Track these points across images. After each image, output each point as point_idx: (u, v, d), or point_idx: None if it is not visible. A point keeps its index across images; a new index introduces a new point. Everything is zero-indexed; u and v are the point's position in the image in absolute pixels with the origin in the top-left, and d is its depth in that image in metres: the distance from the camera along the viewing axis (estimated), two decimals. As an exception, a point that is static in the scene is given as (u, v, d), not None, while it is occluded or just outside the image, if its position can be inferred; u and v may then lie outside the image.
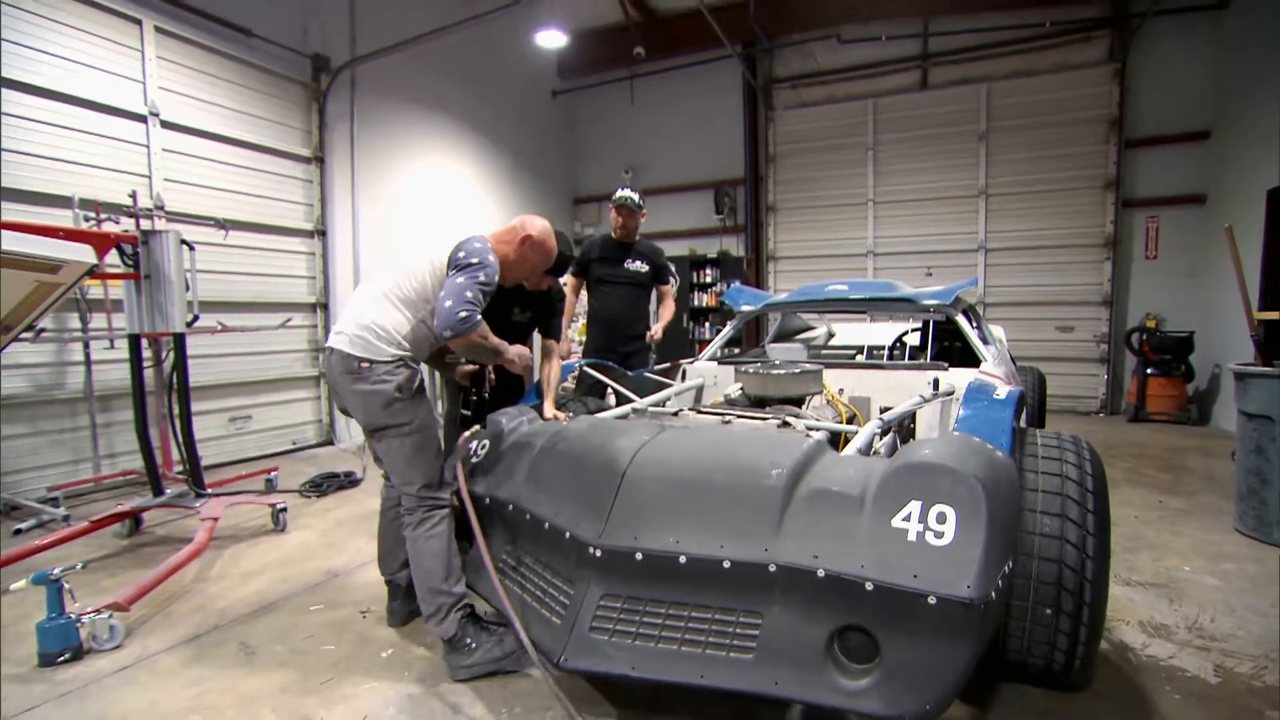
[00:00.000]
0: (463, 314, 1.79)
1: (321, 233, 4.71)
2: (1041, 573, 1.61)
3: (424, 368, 2.06)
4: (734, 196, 7.02)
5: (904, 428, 2.19)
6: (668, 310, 3.24)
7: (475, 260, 1.88)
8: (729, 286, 6.24)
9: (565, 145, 7.60)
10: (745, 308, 3.21)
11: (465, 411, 2.23)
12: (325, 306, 4.74)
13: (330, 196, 4.78)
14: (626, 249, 3.22)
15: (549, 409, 2.27)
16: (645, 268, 3.25)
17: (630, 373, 3.02)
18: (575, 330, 5.52)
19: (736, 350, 5.98)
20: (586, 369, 2.83)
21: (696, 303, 6.81)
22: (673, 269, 3.36)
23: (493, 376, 2.20)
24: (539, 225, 2.05)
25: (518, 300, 2.49)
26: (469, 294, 1.83)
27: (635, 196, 3.17)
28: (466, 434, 2.04)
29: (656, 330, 3.18)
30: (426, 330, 1.93)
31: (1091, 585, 1.62)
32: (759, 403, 2.38)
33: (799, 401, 2.38)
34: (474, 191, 6.20)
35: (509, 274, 2.07)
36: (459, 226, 5.49)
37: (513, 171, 6.68)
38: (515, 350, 2.03)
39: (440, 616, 1.88)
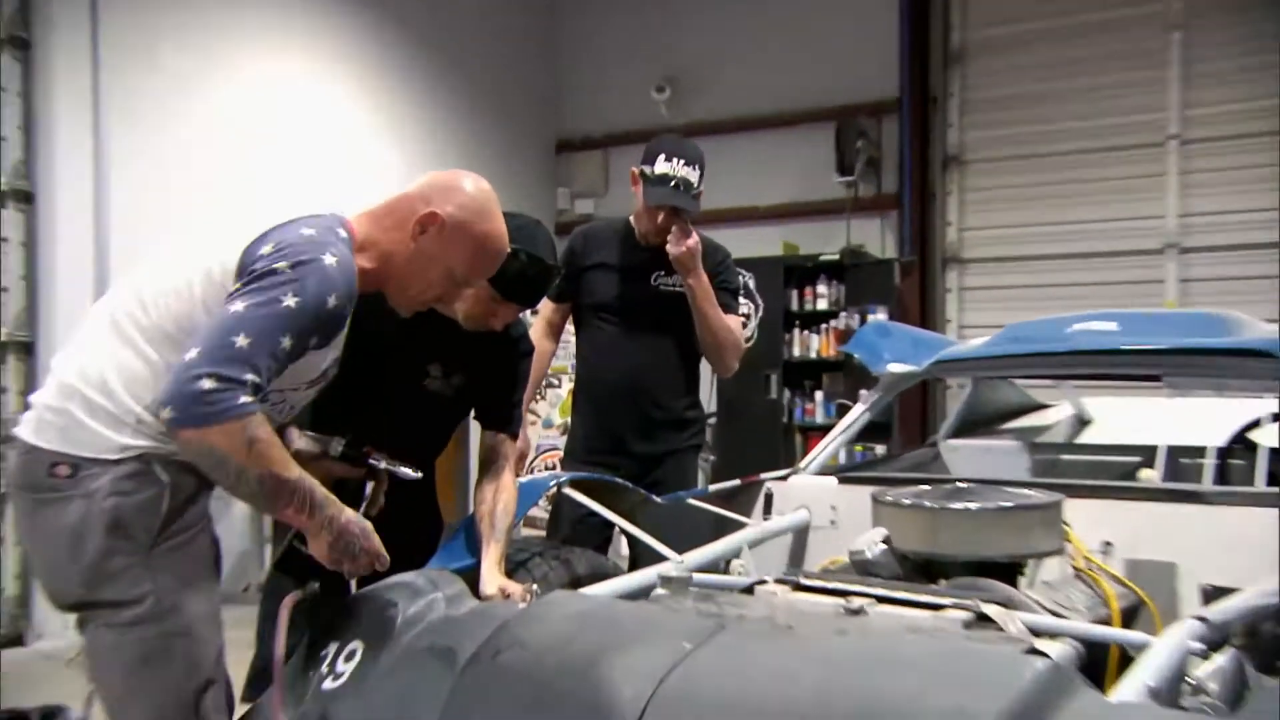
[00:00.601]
0: (205, 384, 1.40)
1: (25, 197, 3.93)
2: None
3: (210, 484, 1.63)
4: (874, 138, 6.55)
5: (1259, 637, 1.80)
6: (729, 361, 2.96)
7: (281, 266, 1.50)
8: (862, 323, 5.55)
9: (542, 44, 7.33)
10: (896, 367, 2.99)
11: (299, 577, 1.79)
12: (31, 349, 3.98)
13: (47, 126, 4.00)
14: (658, 252, 2.85)
15: (490, 578, 1.94)
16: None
17: (658, 498, 2.62)
18: (548, 407, 5.17)
19: (878, 451, 5.67)
20: (568, 491, 2.45)
21: (795, 352, 6.50)
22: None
23: (379, 496, 1.84)
24: (468, 192, 1.73)
25: (436, 349, 2.13)
26: (238, 341, 1.44)
27: (692, 177, 2.78)
28: (288, 603, 1.68)
29: (690, 247, 2.76)
30: None
31: None
32: (924, 570, 2.05)
33: (1011, 570, 2.03)
34: (359, 128, 5.82)
35: (400, 292, 1.74)
36: (320, 195, 5.41)
37: (436, 93, 6.33)
38: (348, 521, 1.60)
39: None
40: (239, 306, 1.46)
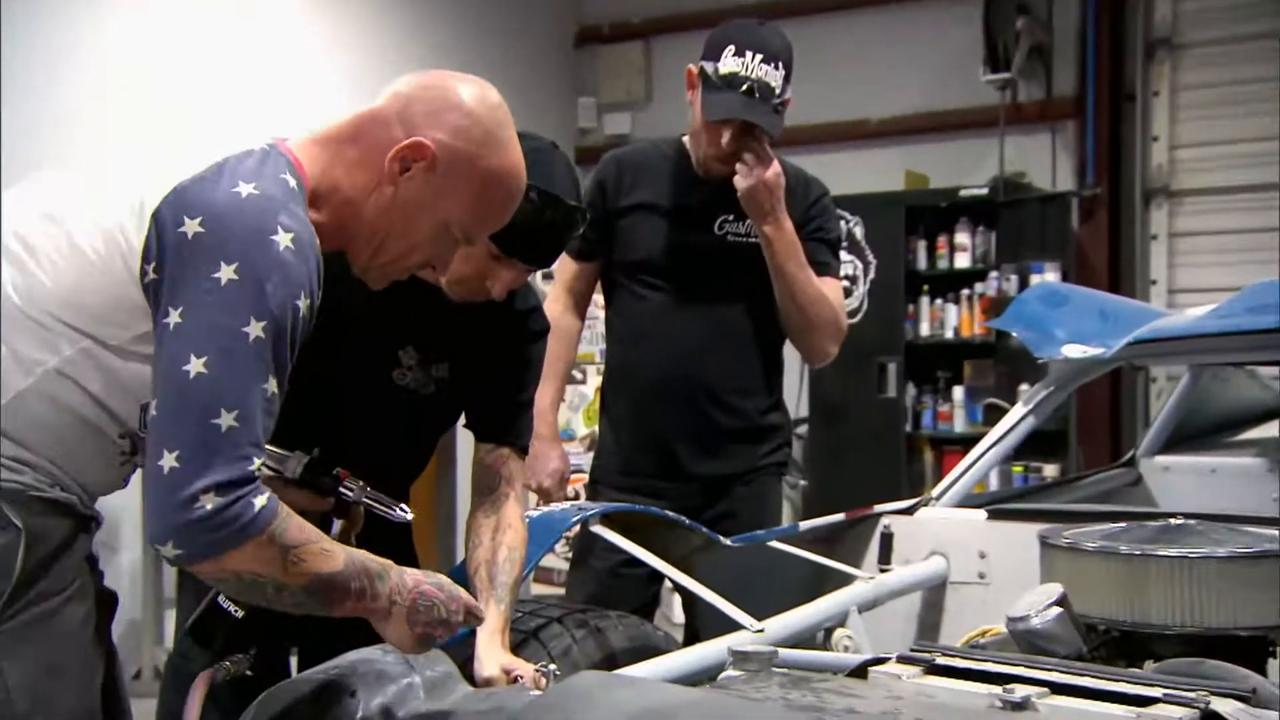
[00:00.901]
0: (206, 504, 1.48)
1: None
2: None
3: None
4: (1041, 16, 6.53)
5: None
6: (824, 345, 3.08)
7: (225, 275, 1.54)
8: (1023, 286, 5.56)
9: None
10: (1074, 350, 2.96)
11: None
12: None
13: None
14: (725, 188, 2.93)
15: (490, 653, 2.00)
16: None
17: (726, 539, 2.69)
18: (569, 411, 5.37)
19: (1047, 473, 5.76)
20: (599, 529, 2.52)
21: (923, 330, 6.55)
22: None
23: (348, 540, 1.92)
24: (468, 107, 1.76)
25: (409, 326, 2.20)
26: (223, 423, 1.51)
27: (774, 79, 2.84)
28: (201, 683, 1.82)
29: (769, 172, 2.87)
30: (79, 402, 1.65)
31: None
32: (1121, 646, 2.10)
33: (1258, 648, 2.08)
34: (292, 10, 6.15)
35: (371, 256, 1.80)
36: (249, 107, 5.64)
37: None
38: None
39: None
40: (196, 365, 1.49)
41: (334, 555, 1.61)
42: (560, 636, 2.31)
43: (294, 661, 2.38)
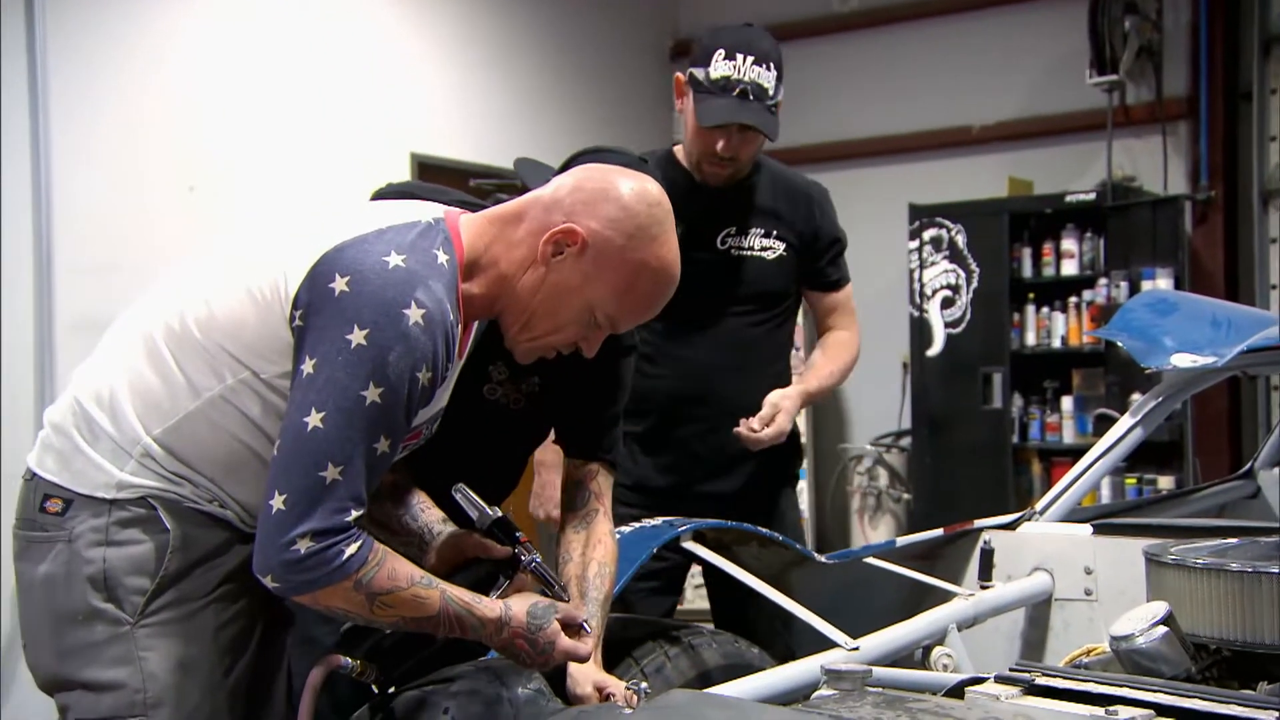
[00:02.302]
0: (300, 548, 1.64)
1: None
2: None
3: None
4: (1150, 14, 6.40)
5: None
6: (837, 343, 3.15)
7: (355, 338, 1.67)
8: (1133, 293, 5.44)
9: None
10: (1186, 359, 2.93)
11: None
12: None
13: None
14: (724, 197, 2.98)
15: (582, 670, 2.01)
16: (778, 245, 3.05)
17: (816, 552, 2.74)
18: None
19: (1160, 485, 5.66)
20: (691, 546, 2.54)
21: (1028, 339, 6.50)
22: (843, 235, 3.15)
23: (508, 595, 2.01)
24: (624, 201, 1.85)
25: (499, 342, 2.13)
26: (328, 475, 1.65)
27: (766, 80, 2.85)
28: (316, 679, 1.91)
29: (782, 408, 2.91)
30: (239, 426, 1.80)
31: None
32: (1233, 667, 2.06)
33: None
34: (384, 29, 6.11)
35: (520, 331, 1.90)
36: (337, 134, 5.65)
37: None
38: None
39: None
40: (314, 419, 1.64)
41: (427, 601, 1.72)
42: (653, 653, 2.34)
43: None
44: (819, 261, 3.08)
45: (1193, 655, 2.00)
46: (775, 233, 3.03)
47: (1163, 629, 1.98)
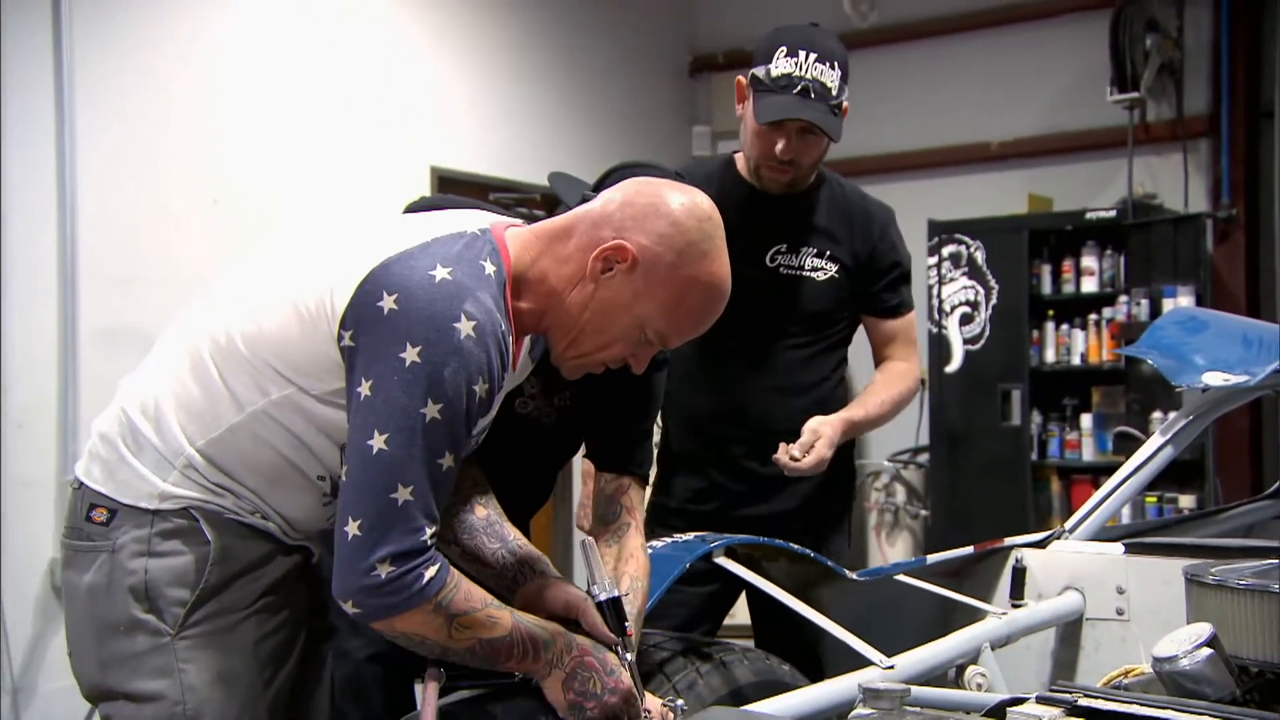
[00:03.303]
0: (381, 573, 1.65)
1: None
2: None
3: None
4: (1170, 31, 6.39)
5: None
6: (894, 373, 3.02)
7: (408, 356, 1.66)
8: (1155, 312, 5.41)
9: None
10: (1214, 378, 2.91)
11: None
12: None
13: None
14: (778, 209, 2.88)
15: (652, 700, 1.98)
16: (830, 266, 2.95)
17: (851, 572, 2.65)
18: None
19: (1184, 504, 5.61)
20: (724, 562, 2.49)
21: (1048, 356, 6.48)
22: (908, 258, 3.04)
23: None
24: (675, 217, 1.83)
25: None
26: (400, 497, 1.65)
27: (829, 79, 2.73)
28: (434, 679, 1.85)
29: (823, 435, 2.78)
30: (282, 440, 1.81)
31: None
32: (1278, 693, 2.01)
33: None
34: (410, 37, 6.13)
35: (567, 347, 1.89)
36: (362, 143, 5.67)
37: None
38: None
39: None
40: (378, 442, 1.63)
41: (500, 621, 1.72)
42: (685, 670, 2.32)
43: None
44: (875, 285, 2.97)
45: (1237, 678, 1.97)
46: (829, 253, 2.93)
47: (1208, 650, 1.95)
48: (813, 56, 2.69)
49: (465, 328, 1.63)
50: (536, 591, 1.95)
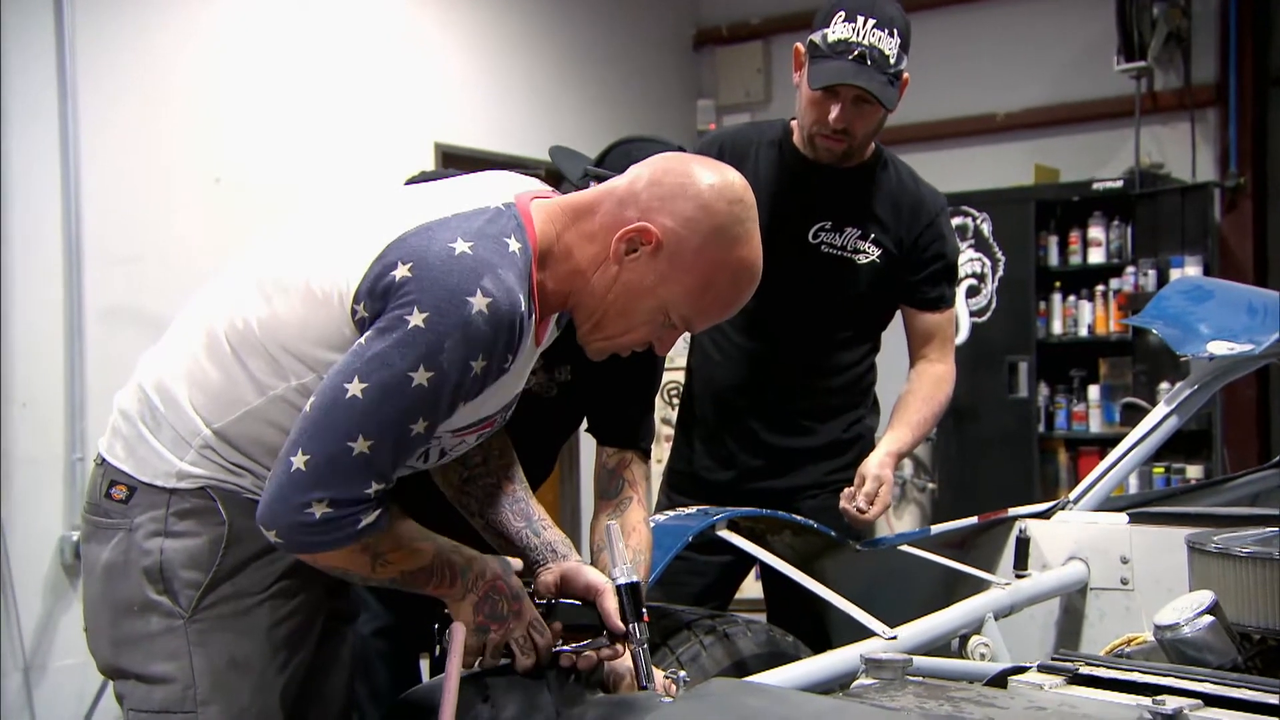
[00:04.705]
0: (315, 513, 1.61)
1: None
2: None
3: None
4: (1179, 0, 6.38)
5: None
6: (931, 381, 2.95)
7: (414, 320, 1.62)
8: (1162, 282, 5.39)
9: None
10: (1220, 347, 2.95)
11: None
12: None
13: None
14: (826, 180, 2.81)
15: (621, 662, 1.97)
16: (872, 250, 2.88)
17: (855, 543, 2.70)
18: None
19: (1190, 474, 5.65)
20: (726, 534, 2.49)
21: (1055, 328, 6.49)
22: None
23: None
24: (702, 197, 1.77)
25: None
26: (356, 447, 1.61)
27: (887, 46, 2.62)
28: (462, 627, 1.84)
29: (885, 480, 2.77)
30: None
31: None
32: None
33: None
34: (412, 12, 6.16)
35: (591, 329, 1.85)
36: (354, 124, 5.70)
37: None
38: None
39: None
40: (354, 388, 1.58)
41: (422, 552, 1.72)
42: (689, 643, 2.32)
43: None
44: (916, 275, 2.88)
45: (1238, 645, 1.98)
46: (873, 236, 2.85)
47: (1209, 618, 1.96)
48: (871, 22, 2.60)
49: (479, 303, 1.59)
50: (557, 573, 1.93)
